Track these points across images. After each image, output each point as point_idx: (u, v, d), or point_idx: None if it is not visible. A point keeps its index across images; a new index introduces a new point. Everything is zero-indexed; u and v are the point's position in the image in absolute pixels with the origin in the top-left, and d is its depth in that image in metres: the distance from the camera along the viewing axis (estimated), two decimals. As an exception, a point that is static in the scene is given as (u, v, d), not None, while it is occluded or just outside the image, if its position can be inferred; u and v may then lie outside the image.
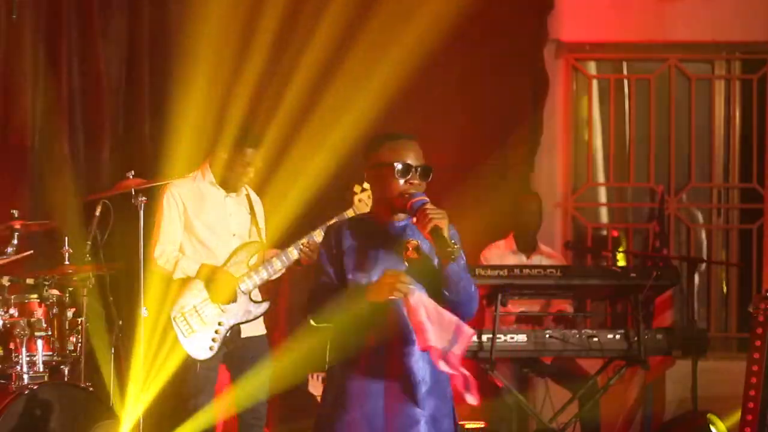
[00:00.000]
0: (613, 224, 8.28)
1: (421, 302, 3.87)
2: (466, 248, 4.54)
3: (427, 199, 3.95)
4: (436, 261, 3.99)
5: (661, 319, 7.20)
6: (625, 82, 8.28)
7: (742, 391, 6.02)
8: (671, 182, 8.15)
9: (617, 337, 6.34)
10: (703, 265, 8.14)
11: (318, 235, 5.63)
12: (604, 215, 8.38)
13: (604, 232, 8.30)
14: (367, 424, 3.96)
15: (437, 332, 3.86)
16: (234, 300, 5.67)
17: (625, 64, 8.31)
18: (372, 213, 4.21)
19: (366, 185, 5.69)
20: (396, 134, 4.10)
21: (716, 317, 8.24)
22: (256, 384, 5.83)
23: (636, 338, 6.26)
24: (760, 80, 8.14)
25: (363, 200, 5.68)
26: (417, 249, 3.95)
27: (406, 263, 3.95)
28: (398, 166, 3.99)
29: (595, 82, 8.28)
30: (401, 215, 4.07)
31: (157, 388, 5.64)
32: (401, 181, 4.01)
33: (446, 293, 3.98)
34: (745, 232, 8.20)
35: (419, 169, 4.03)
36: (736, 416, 6.27)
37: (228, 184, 5.87)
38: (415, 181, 4.02)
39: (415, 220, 3.94)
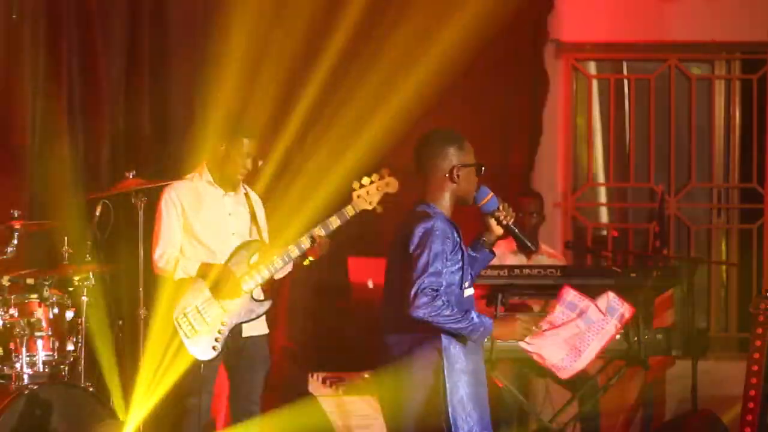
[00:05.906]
0: (613, 224, 8.27)
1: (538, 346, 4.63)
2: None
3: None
4: None
5: (661, 319, 7.19)
6: (625, 82, 8.27)
7: (742, 391, 6.02)
8: (671, 182, 8.14)
9: (617, 337, 6.33)
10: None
11: (318, 231, 5.63)
12: (604, 215, 8.37)
13: (604, 232, 8.30)
14: None
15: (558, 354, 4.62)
16: (239, 295, 5.65)
17: (625, 64, 8.31)
18: (448, 210, 4.52)
19: (365, 181, 5.69)
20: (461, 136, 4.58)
21: (716, 317, 8.23)
22: (251, 383, 5.83)
23: (636, 338, 6.25)
24: (760, 80, 8.13)
25: (362, 196, 5.68)
26: None
27: None
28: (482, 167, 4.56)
29: (595, 82, 8.27)
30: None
31: (163, 390, 5.64)
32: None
33: None
34: (745, 232, 8.19)
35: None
36: (736, 416, 6.26)
37: (226, 179, 5.85)
38: None
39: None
